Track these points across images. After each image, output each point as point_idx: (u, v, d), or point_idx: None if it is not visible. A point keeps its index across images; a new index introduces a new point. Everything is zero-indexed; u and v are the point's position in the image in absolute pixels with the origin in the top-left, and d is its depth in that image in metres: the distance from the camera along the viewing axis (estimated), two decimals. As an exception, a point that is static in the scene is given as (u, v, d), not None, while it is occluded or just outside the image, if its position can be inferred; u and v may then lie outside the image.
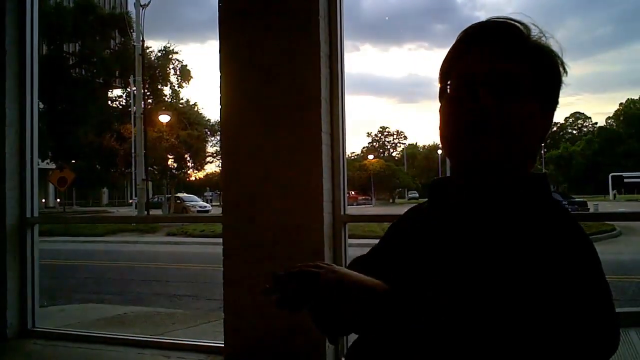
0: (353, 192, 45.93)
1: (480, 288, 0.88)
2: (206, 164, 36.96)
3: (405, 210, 1.27)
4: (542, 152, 61.08)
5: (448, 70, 1.07)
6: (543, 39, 1.04)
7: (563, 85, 1.07)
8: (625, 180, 43.80)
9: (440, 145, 1.09)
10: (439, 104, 1.10)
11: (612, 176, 43.95)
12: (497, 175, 1.01)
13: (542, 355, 0.81)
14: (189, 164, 35.25)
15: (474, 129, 0.98)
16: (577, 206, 24.98)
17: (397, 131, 74.74)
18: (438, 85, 1.11)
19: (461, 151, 1.01)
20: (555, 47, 1.05)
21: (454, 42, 1.09)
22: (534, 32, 1.04)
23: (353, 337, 0.98)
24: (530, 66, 1.01)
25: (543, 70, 1.03)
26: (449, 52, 1.09)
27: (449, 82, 1.06)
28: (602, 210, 20.60)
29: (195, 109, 38.04)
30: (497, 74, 0.99)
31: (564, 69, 1.05)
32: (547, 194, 1.03)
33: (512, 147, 1.00)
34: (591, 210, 22.83)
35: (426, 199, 1.23)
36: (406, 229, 1.18)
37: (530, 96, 1.01)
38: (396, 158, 68.15)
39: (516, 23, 1.04)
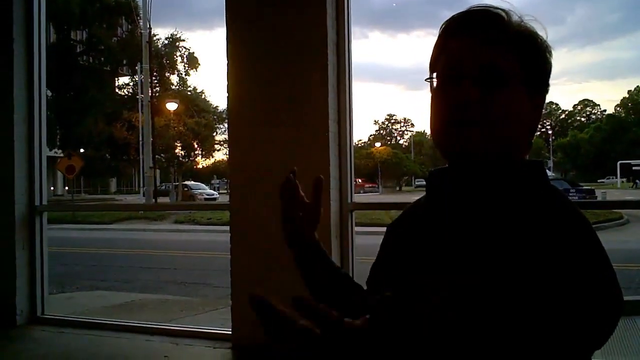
0: (360, 180, 45.93)
1: (483, 280, 0.88)
2: (214, 151, 37.05)
3: (411, 199, 1.27)
4: (550, 139, 60.98)
5: (434, 62, 1.08)
6: (527, 23, 1.03)
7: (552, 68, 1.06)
8: (634, 168, 43.57)
9: (431, 136, 1.10)
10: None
11: (621, 164, 43.73)
12: (484, 165, 1.01)
13: (548, 341, 0.81)
14: (196, 151, 35.29)
15: (458, 121, 0.99)
16: (585, 194, 24.82)
17: (405, 119, 74.54)
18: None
19: (447, 143, 1.02)
20: (540, 31, 1.04)
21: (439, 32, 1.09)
22: (515, 17, 1.03)
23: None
24: (515, 53, 1.01)
25: (528, 55, 1.02)
26: (435, 44, 1.08)
27: (434, 74, 1.06)
28: (610, 199, 20.55)
29: (203, 96, 38.07)
30: (480, 64, 0.99)
31: (549, 51, 1.05)
32: (543, 180, 1.03)
33: (498, 137, 0.99)
34: (599, 199, 22.75)
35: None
36: (406, 226, 1.18)
37: (516, 83, 1.01)
38: (403, 146, 68.00)
39: (497, 10, 1.03)
